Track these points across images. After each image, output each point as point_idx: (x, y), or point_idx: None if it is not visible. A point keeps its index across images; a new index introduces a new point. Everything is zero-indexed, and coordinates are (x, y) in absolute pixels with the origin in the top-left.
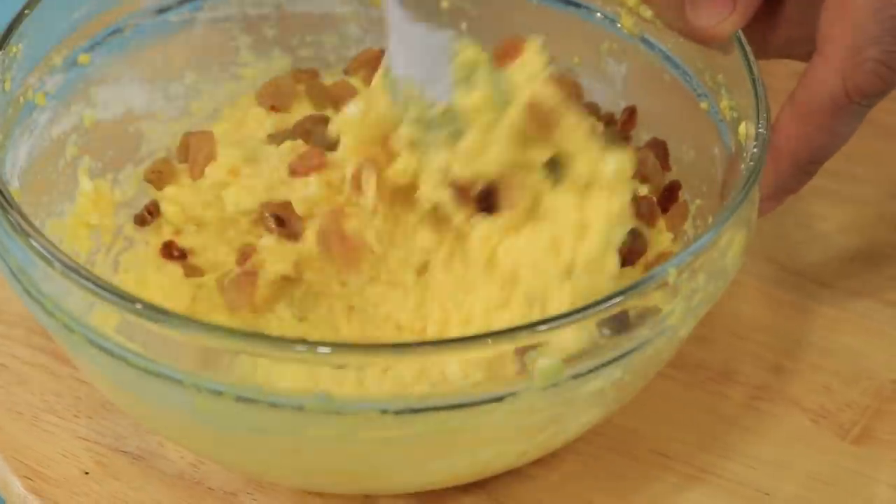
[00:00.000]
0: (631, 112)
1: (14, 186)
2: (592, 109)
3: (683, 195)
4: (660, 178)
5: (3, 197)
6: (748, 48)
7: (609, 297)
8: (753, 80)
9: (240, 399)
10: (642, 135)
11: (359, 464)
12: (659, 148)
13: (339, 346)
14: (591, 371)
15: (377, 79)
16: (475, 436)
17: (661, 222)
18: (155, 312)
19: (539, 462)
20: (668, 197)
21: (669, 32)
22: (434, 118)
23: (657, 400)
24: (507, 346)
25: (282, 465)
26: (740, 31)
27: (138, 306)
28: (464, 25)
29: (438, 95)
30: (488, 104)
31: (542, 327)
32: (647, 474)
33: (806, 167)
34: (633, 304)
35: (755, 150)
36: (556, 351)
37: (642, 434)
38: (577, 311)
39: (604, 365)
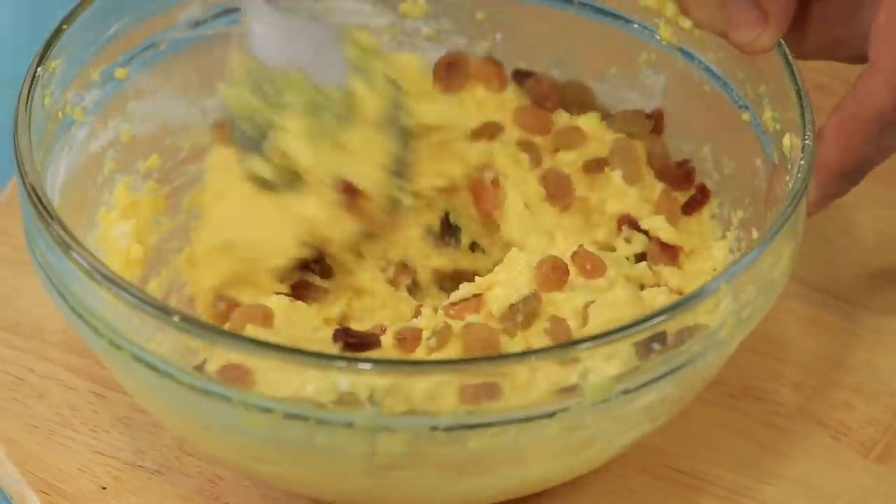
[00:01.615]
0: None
1: (56, 202)
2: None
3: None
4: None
5: (74, 239)
6: (792, 60)
7: (659, 312)
8: (798, 92)
9: (288, 416)
10: (683, 147)
11: (404, 479)
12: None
13: (387, 363)
14: (641, 387)
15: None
16: (525, 452)
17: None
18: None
19: (567, 482)
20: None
21: (709, 43)
22: (325, 101)
23: (678, 417)
24: (558, 363)
25: (324, 480)
26: (784, 44)
27: (176, 319)
28: (499, 36)
29: (329, 79)
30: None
31: (592, 343)
32: (671, 493)
33: (850, 175)
34: (685, 318)
35: (802, 162)
36: (607, 366)
37: (664, 452)
38: (627, 326)
39: (655, 380)
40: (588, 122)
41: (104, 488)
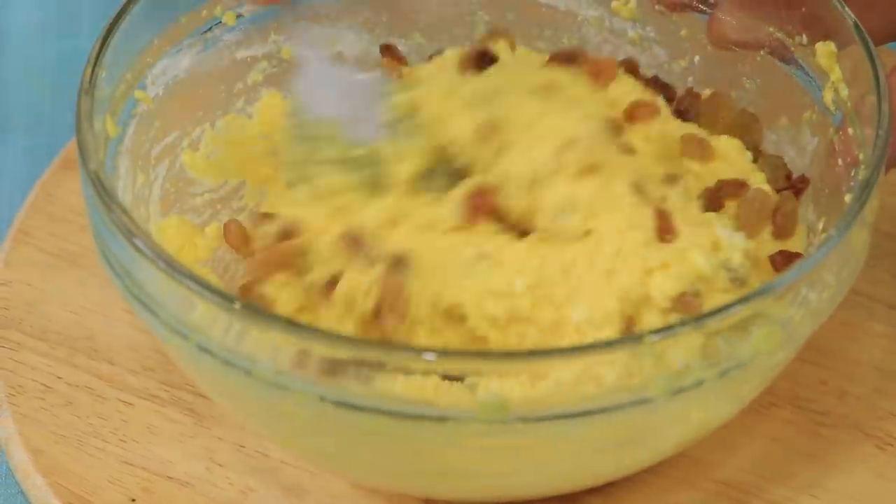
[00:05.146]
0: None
1: (155, 94)
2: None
3: None
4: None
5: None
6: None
7: (572, 349)
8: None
9: (200, 348)
10: (807, 215)
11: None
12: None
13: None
14: (542, 419)
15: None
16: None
17: None
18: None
19: (596, 492)
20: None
21: (864, 117)
22: (356, 159)
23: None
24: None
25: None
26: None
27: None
28: (697, 58)
29: (362, 136)
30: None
31: (489, 361)
32: None
33: None
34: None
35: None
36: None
37: (702, 462)
38: (543, 352)
39: (559, 417)
40: (730, 145)
41: (133, 500)
